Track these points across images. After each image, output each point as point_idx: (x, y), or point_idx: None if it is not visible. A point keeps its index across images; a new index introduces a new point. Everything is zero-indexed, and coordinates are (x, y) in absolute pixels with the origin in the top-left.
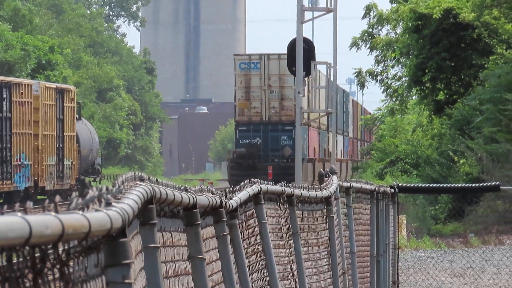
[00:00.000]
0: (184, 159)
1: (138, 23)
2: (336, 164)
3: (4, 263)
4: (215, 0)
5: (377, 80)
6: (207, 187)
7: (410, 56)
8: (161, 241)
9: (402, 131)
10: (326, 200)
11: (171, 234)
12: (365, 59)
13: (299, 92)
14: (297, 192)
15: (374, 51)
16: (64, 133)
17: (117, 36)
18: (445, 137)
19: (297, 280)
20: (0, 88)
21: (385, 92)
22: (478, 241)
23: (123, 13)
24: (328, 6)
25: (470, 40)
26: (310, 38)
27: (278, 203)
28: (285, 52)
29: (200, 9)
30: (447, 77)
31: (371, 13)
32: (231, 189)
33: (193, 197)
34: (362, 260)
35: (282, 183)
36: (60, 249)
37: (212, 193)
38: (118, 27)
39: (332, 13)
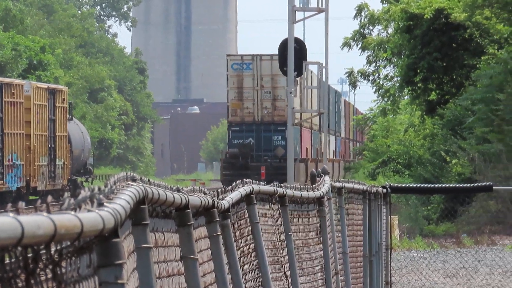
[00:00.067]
0: (176, 159)
1: (129, 23)
2: (328, 164)
3: None
4: (206, 0)
5: (369, 80)
6: (199, 188)
7: (402, 56)
8: (153, 242)
9: (394, 131)
10: (319, 201)
11: (164, 235)
12: (357, 59)
13: (290, 92)
14: (289, 192)
15: (366, 51)
16: (56, 134)
17: (108, 36)
18: (437, 137)
19: (289, 280)
20: None
21: (377, 92)
22: (470, 242)
23: (114, 13)
24: (319, 6)
25: (462, 40)
26: (302, 38)
27: (271, 204)
28: (277, 52)
29: (191, 9)
30: (439, 77)
31: (363, 13)
32: (223, 189)
33: (185, 198)
34: (355, 261)
35: (274, 183)
36: (53, 250)
37: (204, 194)
38: (109, 27)
39: (323, 13)
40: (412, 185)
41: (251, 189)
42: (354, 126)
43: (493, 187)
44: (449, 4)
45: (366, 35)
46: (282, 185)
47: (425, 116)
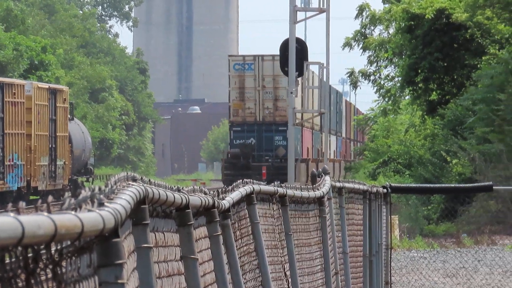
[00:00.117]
0: (177, 159)
1: (130, 24)
2: (329, 164)
3: None
4: (208, 0)
5: (369, 80)
6: (199, 187)
7: (403, 56)
8: (153, 241)
9: (395, 131)
10: (319, 200)
11: (164, 234)
12: (358, 59)
13: (291, 93)
14: (290, 192)
15: (367, 51)
16: (57, 134)
17: (110, 36)
18: (437, 137)
19: (289, 280)
20: None
21: (377, 92)
22: (470, 241)
23: (115, 13)
24: (321, 6)
25: (463, 40)
26: (303, 39)
27: (271, 203)
28: (278, 53)
29: (193, 9)
30: (439, 77)
31: (364, 13)
32: (223, 189)
33: (185, 197)
34: (355, 260)
35: (275, 183)
36: (53, 249)
37: (205, 194)
38: (110, 27)
39: (324, 13)
40: (413, 185)
41: (252, 189)
42: (355, 126)
43: (494, 187)
44: (450, 4)
45: (367, 35)
46: (283, 185)
47: (425, 116)
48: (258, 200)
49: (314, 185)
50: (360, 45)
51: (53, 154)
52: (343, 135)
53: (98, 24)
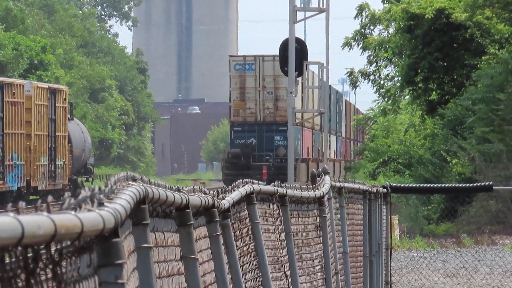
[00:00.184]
0: (177, 159)
1: (130, 23)
2: (329, 164)
3: None
4: (207, 0)
5: (369, 80)
6: (199, 187)
7: (403, 56)
8: (153, 241)
9: (395, 131)
10: (319, 200)
11: (164, 234)
12: (358, 59)
13: (291, 92)
14: (290, 192)
15: (367, 51)
16: (57, 133)
17: (109, 36)
18: (437, 137)
19: (289, 280)
20: None
21: (377, 92)
22: (471, 241)
23: (115, 13)
24: (320, 6)
25: (463, 40)
26: (303, 38)
27: (271, 203)
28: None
29: (192, 9)
30: (439, 77)
31: (364, 13)
32: (223, 189)
33: (185, 197)
34: (355, 260)
35: (275, 183)
36: (53, 249)
37: (205, 193)
38: (110, 27)
39: (324, 13)
40: (413, 185)
41: (252, 189)
42: (354, 126)
43: (494, 187)
44: (450, 4)
45: (367, 35)
46: (283, 185)
47: (425, 116)
48: (258, 200)
49: (314, 185)
50: (360, 45)
51: (52, 154)
52: (343, 135)
53: (98, 24)
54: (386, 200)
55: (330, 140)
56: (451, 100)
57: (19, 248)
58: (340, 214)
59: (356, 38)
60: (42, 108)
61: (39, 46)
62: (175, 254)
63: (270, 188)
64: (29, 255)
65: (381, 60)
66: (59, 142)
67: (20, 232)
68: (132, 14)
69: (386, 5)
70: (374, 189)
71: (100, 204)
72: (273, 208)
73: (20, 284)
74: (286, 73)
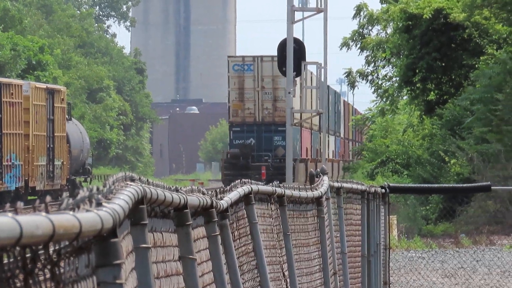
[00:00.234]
0: (175, 160)
1: (128, 24)
2: (327, 164)
3: None
4: (206, 1)
5: (367, 81)
6: (197, 188)
7: (401, 56)
8: (152, 242)
9: (393, 131)
10: (317, 201)
11: (162, 235)
12: (356, 59)
13: (289, 93)
14: (288, 192)
15: (365, 51)
16: (55, 134)
17: (107, 36)
18: (436, 137)
19: (288, 280)
20: None
21: (375, 93)
22: (469, 242)
23: (113, 13)
24: (318, 6)
25: (461, 40)
26: (301, 39)
27: (269, 204)
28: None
29: (191, 9)
30: (437, 77)
31: (362, 13)
32: (222, 189)
33: (184, 198)
34: (353, 261)
35: (274, 183)
36: (51, 250)
37: (203, 194)
38: (108, 27)
39: (322, 13)
40: (411, 185)
41: (250, 189)
42: (353, 126)
43: (492, 187)
44: (448, 4)
45: (365, 35)
46: (281, 185)
47: (424, 116)
48: (256, 200)
49: (312, 185)
50: (358, 45)
51: (51, 154)
52: (342, 135)
53: (96, 24)
54: (384, 200)
55: (328, 140)
56: (449, 100)
57: (17, 248)
58: (339, 214)
59: (354, 38)
60: (40, 109)
61: (37, 46)
62: (173, 254)
63: (268, 188)
64: (28, 255)
65: (379, 60)
66: (57, 142)
67: (18, 232)
68: (130, 14)
69: (384, 5)
70: (372, 189)
71: (98, 204)
72: (271, 208)
73: (18, 285)
74: (284, 73)
